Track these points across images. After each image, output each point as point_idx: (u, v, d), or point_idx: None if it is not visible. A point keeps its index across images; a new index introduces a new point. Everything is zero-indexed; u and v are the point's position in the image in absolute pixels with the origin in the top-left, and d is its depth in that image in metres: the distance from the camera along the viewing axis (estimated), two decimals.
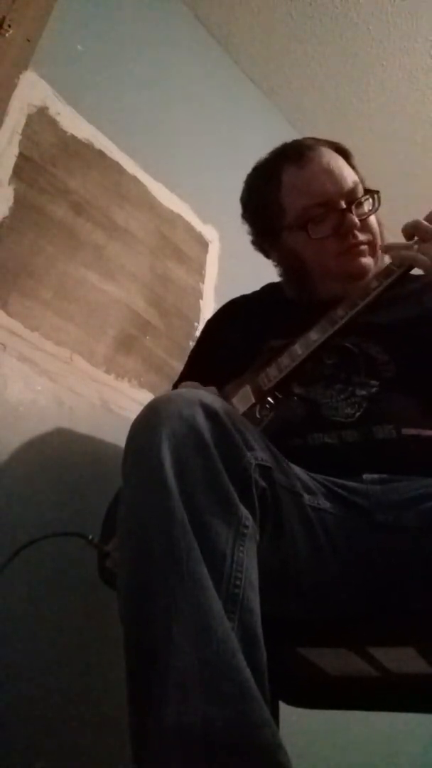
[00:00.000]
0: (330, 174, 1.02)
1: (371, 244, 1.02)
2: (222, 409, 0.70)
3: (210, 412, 0.69)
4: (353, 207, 1.01)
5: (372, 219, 1.04)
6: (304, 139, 1.09)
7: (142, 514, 0.62)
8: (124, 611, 0.60)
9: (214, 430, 0.67)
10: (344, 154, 1.08)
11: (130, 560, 0.61)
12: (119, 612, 0.60)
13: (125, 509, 0.65)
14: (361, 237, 1.01)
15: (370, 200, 1.04)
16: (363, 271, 1.01)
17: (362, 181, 1.06)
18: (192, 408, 0.68)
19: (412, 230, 0.89)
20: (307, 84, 2.11)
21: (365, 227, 1.02)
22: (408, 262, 0.89)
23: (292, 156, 1.05)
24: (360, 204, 1.03)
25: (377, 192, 1.04)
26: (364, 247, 1.01)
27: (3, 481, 1.09)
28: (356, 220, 1.00)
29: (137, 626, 0.57)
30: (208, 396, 0.72)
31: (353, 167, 1.07)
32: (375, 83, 2.08)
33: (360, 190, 1.04)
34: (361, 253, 1.01)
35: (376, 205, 1.04)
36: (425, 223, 0.88)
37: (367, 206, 1.04)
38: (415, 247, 0.88)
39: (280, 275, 1.16)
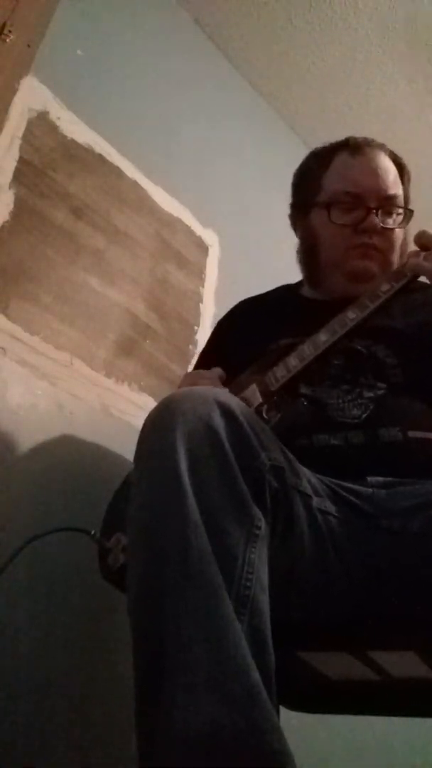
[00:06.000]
0: (374, 173, 1.04)
1: (384, 253, 1.03)
2: (238, 408, 0.70)
3: (226, 411, 0.68)
4: (380, 212, 1.02)
5: (396, 232, 1.05)
6: (372, 139, 1.10)
7: (155, 512, 0.61)
8: (133, 610, 0.59)
9: (229, 430, 0.67)
10: (401, 169, 1.09)
11: (141, 559, 0.61)
12: (128, 611, 0.60)
13: (137, 507, 0.64)
14: (376, 242, 1.02)
15: (401, 217, 1.05)
16: (364, 273, 1.01)
17: (407, 201, 1.08)
18: (208, 406, 0.67)
19: (418, 239, 0.90)
20: (307, 88, 2.11)
21: (385, 235, 1.03)
22: (415, 270, 0.89)
23: (351, 146, 1.08)
24: (389, 213, 1.04)
25: (411, 212, 1.06)
26: (374, 252, 1.02)
27: (4, 484, 1.09)
28: (378, 223, 1.01)
29: (147, 626, 0.57)
30: (224, 394, 0.71)
31: (404, 185, 1.08)
32: (374, 88, 2.09)
33: (397, 203, 1.05)
34: (368, 256, 1.02)
35: (403, 222, 1.05)
36: (429, 232, 0.89)
37: (395, 220, 1.05)
38: (423, 254, 0.89)
39: (297, 251, 1.17)
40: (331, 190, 1.06)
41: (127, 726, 0.56)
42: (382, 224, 1.02)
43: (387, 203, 1.03)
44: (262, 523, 0.64)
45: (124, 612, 0.62)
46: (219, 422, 0.66)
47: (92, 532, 0.97)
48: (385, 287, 0.94)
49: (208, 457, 0.63)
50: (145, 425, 0.70)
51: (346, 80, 2.07)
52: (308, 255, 1.12)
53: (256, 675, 0.52)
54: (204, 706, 0.49)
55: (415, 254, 0.91)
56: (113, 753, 1.06)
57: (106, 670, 1.11)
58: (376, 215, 1.02)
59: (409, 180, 1.10)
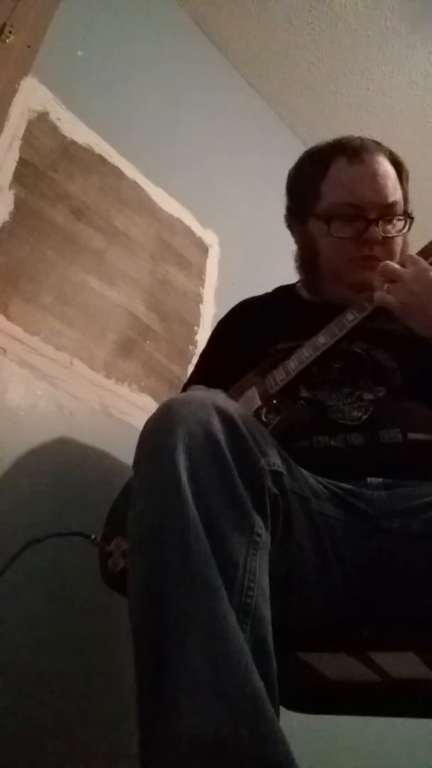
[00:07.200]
0: (374, 182, 1.02)
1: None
2: (237, 413, 0.70)
3: (225, 416, 0.68)
4: (381, 221, 1.01)
5: (397, 240, 1.04)
6: (368, 139, 1.08)
7: (156, 517, 0.61)
8: (135, 617, 0.59)
9: (229, 435, 0.67)
10: (399, 168, 1.07)
11: (142, 566, 0.60)
12: (129, 617, 0.60)
13: (138, 513, 0.64)
14: (378, 252, 1.01)
15: (402, 222, 1.04)
16: (365, 284, 1.00)
17: (406, 201, 1.06)
18: (207, 411, 0.67)
19: (383, 271, 0.89)
20: (307, 89, 2.11)
21: (387, 245, 1.02)
22: (380, 303, 0.89)
23: (348, 151, 1.05)
24: (390, 221, 1.03)
25: (412, 218, 1.04)
26: (375, 263, 0.99)
27: (4, 485, 1.09)
28: (379, 234, 1.00)
29: (149, 633, 0.56)
30: (223, 399, 0.72)
31: (402, 185, 1.07)
32: (374, 89, 2.09)
33: (397, 210, 1.03)
34: (370, 267, 1.00)
35: (405, 230, 1.04)
36: (391, 265, 0.89)
37: (396, 226, 1.04)
38: (386, 287, 0.89)
39: (295, 258, 1.16)
40: (331, 202, 1.03)
41: (128, 728, 0.56)
42: (383, 234, 1.01)
43: (387, 212, 1.02)
44: (263, 530, 0.64)
45: (124, 616, 0.62)
46: (218, 428, 0.66)
47: (92, 536, 0.97)
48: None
49: (207, 463, 0.63)
50: (144, 430, 0.70)
51: (346, 81, 2.07)
52: (308, 264, 1.11)
53: (259, 683, 0.52)
54: (206, 711, 0.49)
55: (380, 284, 0.90)
56: (114, 754, 1.06)
57: (106, 674, 1.11)
58: (377, 225, 1.00)
59: (407, 179, 1.09)
